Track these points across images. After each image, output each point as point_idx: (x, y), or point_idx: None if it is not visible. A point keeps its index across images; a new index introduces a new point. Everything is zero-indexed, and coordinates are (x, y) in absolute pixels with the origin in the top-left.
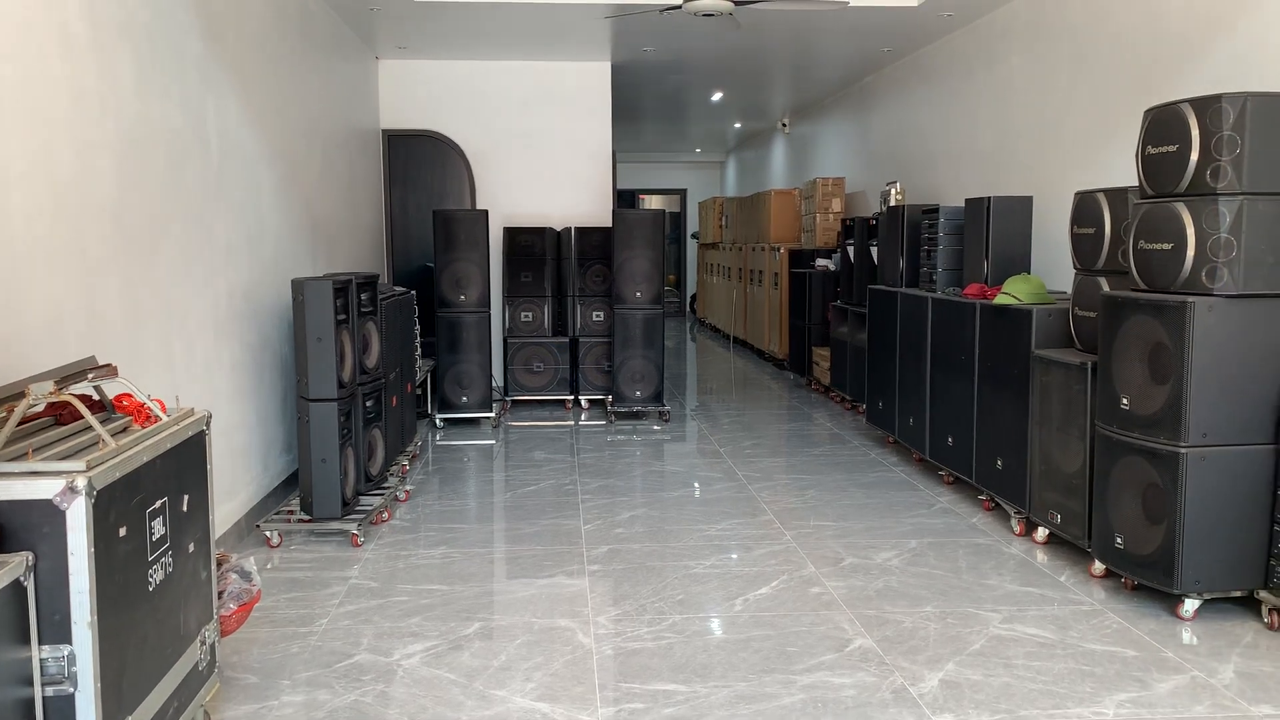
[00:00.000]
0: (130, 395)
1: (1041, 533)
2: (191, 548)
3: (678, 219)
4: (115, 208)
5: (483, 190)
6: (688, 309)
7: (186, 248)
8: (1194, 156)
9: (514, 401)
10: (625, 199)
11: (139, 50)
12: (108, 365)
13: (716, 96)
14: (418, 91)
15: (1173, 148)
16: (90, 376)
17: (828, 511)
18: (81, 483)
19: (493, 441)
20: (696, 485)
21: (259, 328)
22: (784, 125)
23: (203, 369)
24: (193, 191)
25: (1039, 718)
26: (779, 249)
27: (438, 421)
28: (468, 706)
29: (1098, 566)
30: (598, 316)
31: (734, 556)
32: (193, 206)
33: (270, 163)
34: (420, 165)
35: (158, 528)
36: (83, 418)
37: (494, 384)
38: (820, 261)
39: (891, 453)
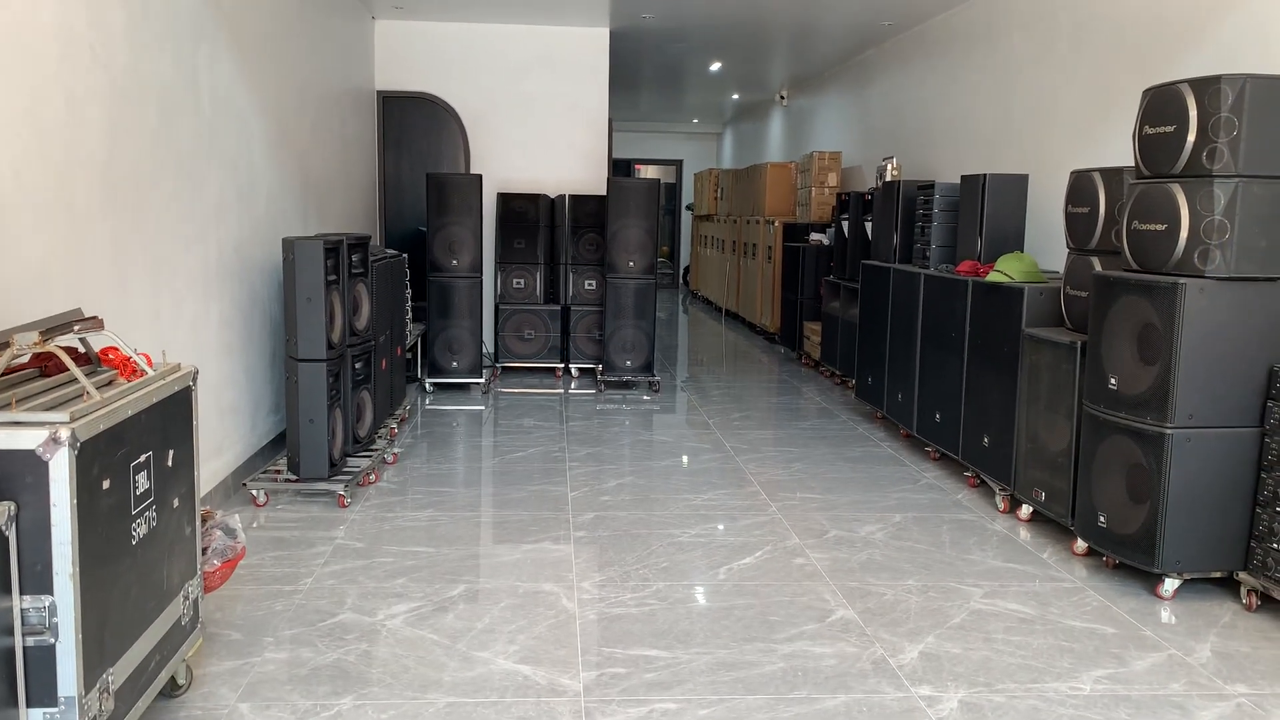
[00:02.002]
0: (116, 349)
1: (1025, 510)
2: (176, 503)
3: (673, 190)
4: (104, 160)
5: (477, 155)
6: (681, 281)
7: (176, 203)
8: (1191, 137)
9: (504, 368)
10: (621, 168)
11: (130, 0)
12: (94, 318)
13: (715, 66)
14: (414, 53)
15: (1170, 128)
16: (76, 329)
17: (814, 484)
18: (65, 434)
19: (482, 407)
20: (684, 455)
21: (249, 286)
22: (782, 98)
23: (190, 325)
24: (184, 146)
25: (1016, 691)
26: (773, 222)
27: (427, 386)
28: (450, 667)
29: (1080, 545)
30: (590, 285)
31: (719, 526)
32: (183, 161)
33: (263, 120)
34: (415, 128)
35: (142, 482)
36: (67, 370)
37: (484, 350)
38: (814, 236)
39: (879, 428)
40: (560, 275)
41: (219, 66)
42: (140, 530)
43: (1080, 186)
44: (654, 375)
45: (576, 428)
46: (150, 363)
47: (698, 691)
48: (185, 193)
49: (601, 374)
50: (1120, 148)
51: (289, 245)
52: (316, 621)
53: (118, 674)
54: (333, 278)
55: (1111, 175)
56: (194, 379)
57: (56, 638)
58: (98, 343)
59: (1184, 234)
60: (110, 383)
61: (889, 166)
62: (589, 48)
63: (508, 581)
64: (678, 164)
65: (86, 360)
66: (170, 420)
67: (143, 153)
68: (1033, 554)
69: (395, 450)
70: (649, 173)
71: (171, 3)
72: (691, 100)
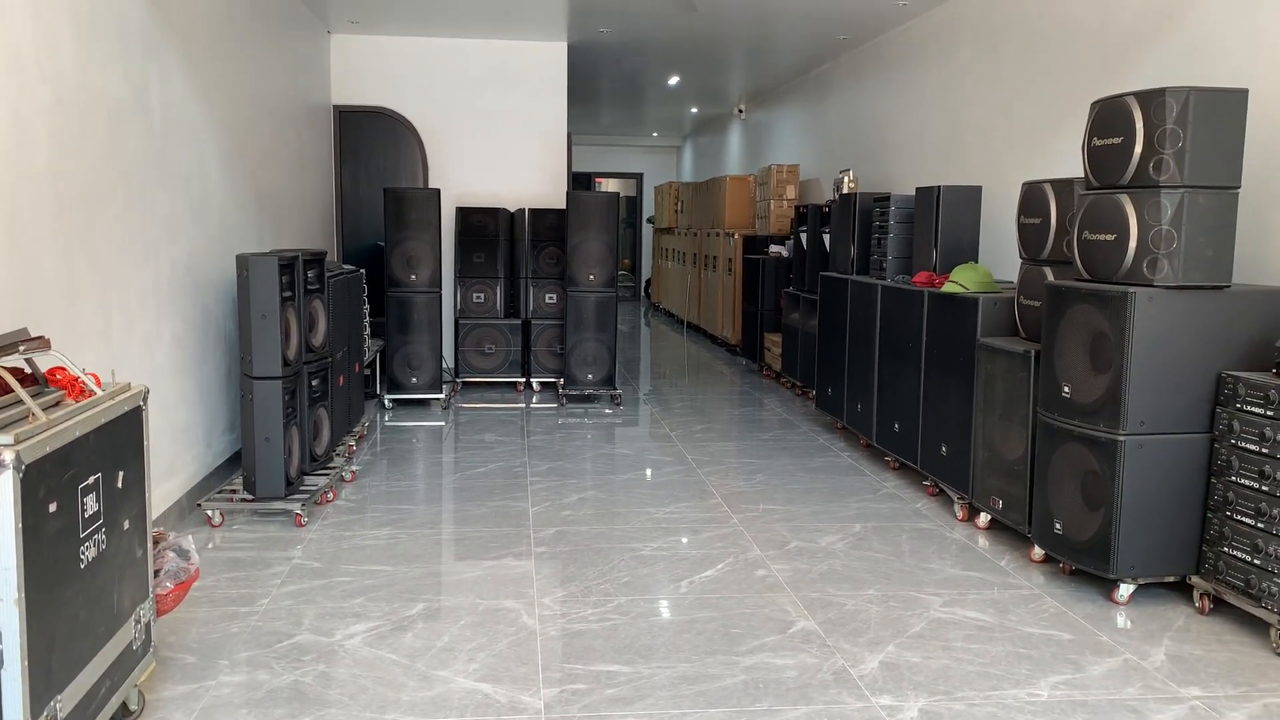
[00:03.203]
0: (64, 369)
1: (983, 518)
2: (126, 525)
3: (634, 203)
4: (51, 176)
5: (435, 169)
6: (643, 294)
7: (127, 219)
8: (1138, 149)
9: (465, 383)
10: (581, 182)
11: (78, 15)
12: (40, 338)
13: (673, 80)
14: (370, 67)
15: (1117, 140)
16: (21, 349)
17: (775, 495)
18: (9, 456)
19: (442, 423)
20: (646, 469)
21: (202, 303)
22: (740, 111)
23: (142, 344)
24: (134, 162)
25: (975, 699)
26: (733, 235)
27: (386, 402)
28: (409, 687)
29: (1037, 552)
30: (550, 299)
31: (681, 539)
32: (134, 177)
33: (216, 135)
34: (372, 142)
35: (90, 504)
36: (13, 391)
37: (445, 365)
38: (773, 248)
39: (840, 438)
40: (521, 289)
41: (170, 82)
42: (89, 553)
43: (1032, 197)
44: (616, 388)
45: (538, 442)
46: (99, 383)
47: (660, 706)
48: (136, 209)
49: (563, 388)
50: (1071, 159)
51: (243, 262)
52: (273, 643)
53: (65, 701)
54: (288, 294)
55: (1062, 186)
56: (144, 399)
57: (1, 664)
58: (44, 363)
59: (1133, 244)
60: (57, 404)
61: (846, 179)
62: (547, 62)
63: (468, 599)
64: (638, 177)
65: (33, 381)
66: (120, 441)
67: (92, 169)
68: (991, 561)
69: (353, 468)
70: (609, 186)
71: (121, 18)
72: (651, 114)
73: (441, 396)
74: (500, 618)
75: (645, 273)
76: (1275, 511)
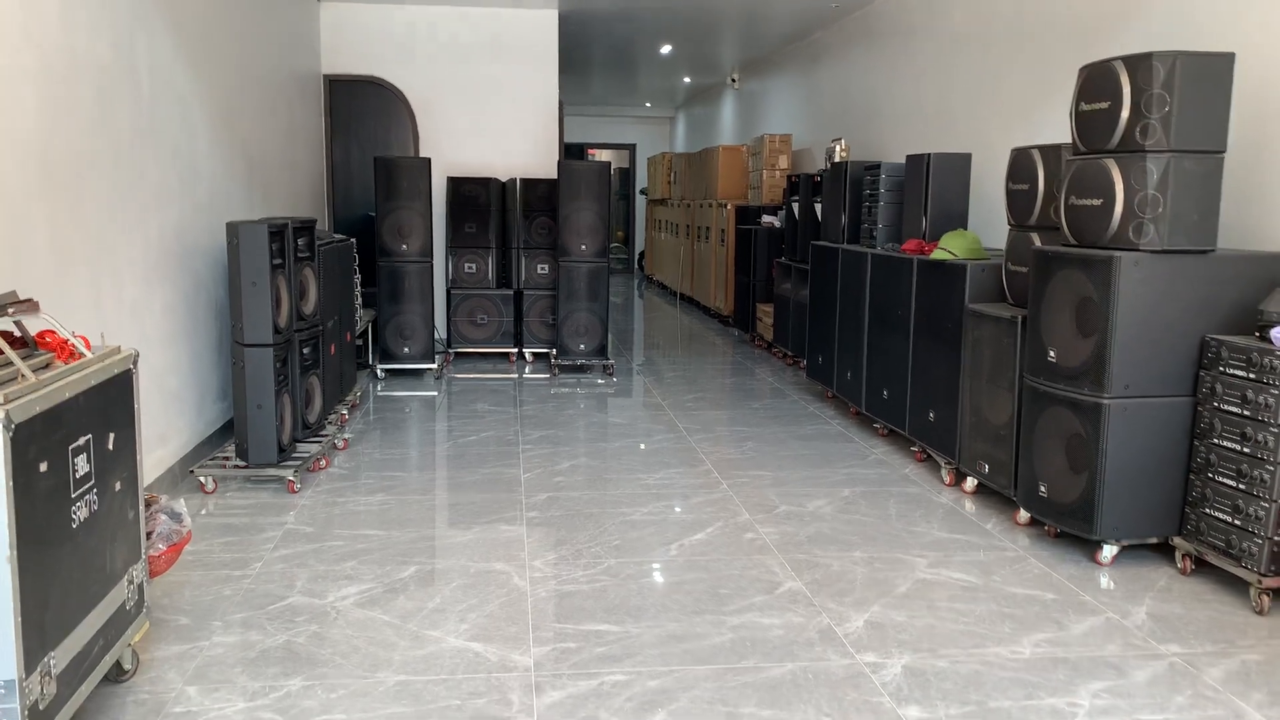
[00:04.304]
0: (54, 332)
1: (970, 483)
2: (118, 486)
3: (627, 175)
4: (40, 141)
5: (427, 139)
6: (636, 266)
7: (116, 186)
8: (1125, 114)
9: (457, 354)
10: (574, 153)
11: None
12: (29, 300)
13: (666, 49)
14: (361, 37)
15: (1105, 104)
16: (10, 311)
17: (765, 462)
18: None
19: (435, 393)
20: (637, 437)
21: (193, 271)
22: (733, 81)
23: (132, 311)
24: (122, 129)
25: (959, 656)
26: (726, 205)
27: (379, 372)
28: (401, 647)
29: (1023, 515)
30: (542, 269)
31: (671, 504)
32: (122, 144)
33: (205, 103)
34: (363, 112)
35: (81, 465)
36: (1, 353)
37: (437, 336)
38: (766, 218)
39: (830, 406)
40: (512, 259)
41: (159, 49)
42: (81, 513)
43: (1020, 164)
44: (608, 359)
45: (530, 411)
46: (89, 345)
47: (648, 663)
48: (125, 176)
49: (556, 358)
50: (1060, 125)
51: (233, 229)
52: (266, 605)
53: (60, 658)
54: (278, 261)
55: (1050, 152)
56: (134, 361)
57: None
58: (34, 326)
59: (1119, 208)
60: (47, 365)
61: (838, 148)
62: (538, 30)
63: (459, 562)
64: (631, 148)
65: (22, 344)
66: (110, 403)
67: (80, 136)
68: (977, 525)
69: (346, 436)
70: (602, 157)
71: None
72: (644, 84)
73: (434, 366)
74: (491, 580)
75: (639, 245)
76: (1256, 473)
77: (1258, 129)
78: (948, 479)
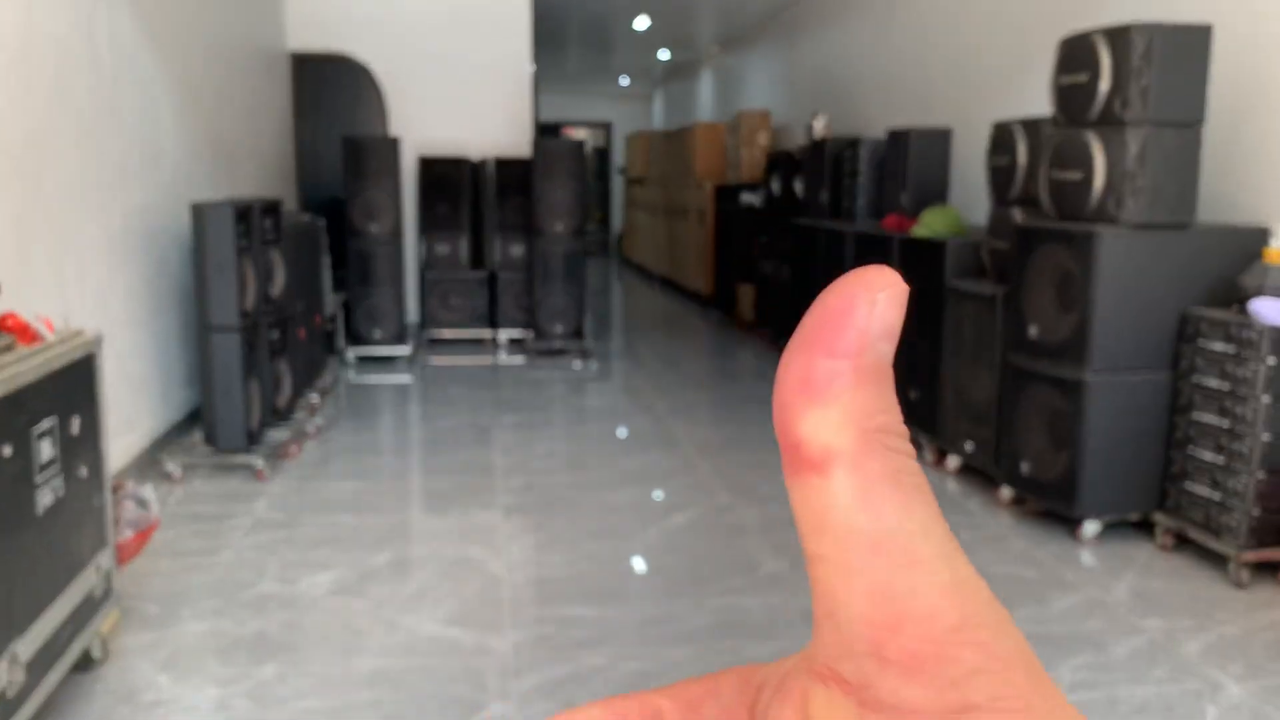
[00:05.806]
0: (14, 315)
1: (953, 462)
2: (84, 472)
3: (604, 154)
4: None
5: (397, 118)
6: (615, 248)
7: (77, 167)
8: (1104, 86)
9: (431, 339)
10: (549, 131)
11: None
12: None
13: (643, 24)
14: (328, 12)
15: (1084, 77)
16: None
17: (746, 444)
18: None
19: (408, 377)
20: (616, 420)
21: (158, 253)
22: (711, 56)
23: (95, 295)
24: (83, 108)
25: None
26: (705, 185)
27: (350, 357)
28: (375, 633)
29: (1005, 494)
30: (517, 251)
31: (650, 488)
32: (83, 123)
33: (168, 82)
34: (331, 90)
35: (45, 449)
36: None
37: (410, 319)
38: (745, 197)
39: None
40: (486, 241)
41: (119, 26)
42: (45, 499)
43: (1001, 138)
44: (586, 342)
45: (507, 396)
46: (51, 328)
47: (627, 646)
48: (87, 157)
49: (532, 341)
50: (1041, 100)
51: (198, 210)
52: (237, 593)
53: (26, 645)
54: (244, 243)
55: (1031, 126)
56: (99, 345)
57: None
58: None
59: (1099, 182)
60: (9, 348)
61: (817, 124)
62: (510, 4)
63: (435, 548)
64: (607, 126)
65: None
66: (75, 387)
67: (39, 114)
68: (960, 504)
69: (317, 422)
70: (578, 135)
71: None
72: (620, 60)
73: (407, 350)
74: (468, 565)
75: (617, 226)
76: (1235, 446)
77: (1235, 102)
78: (931, 459)
